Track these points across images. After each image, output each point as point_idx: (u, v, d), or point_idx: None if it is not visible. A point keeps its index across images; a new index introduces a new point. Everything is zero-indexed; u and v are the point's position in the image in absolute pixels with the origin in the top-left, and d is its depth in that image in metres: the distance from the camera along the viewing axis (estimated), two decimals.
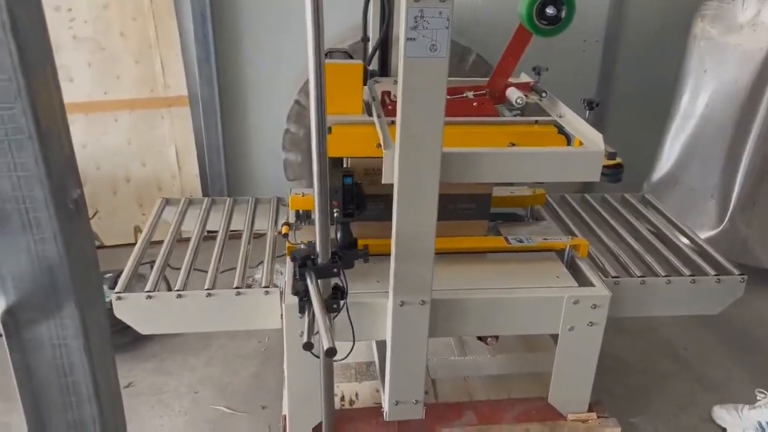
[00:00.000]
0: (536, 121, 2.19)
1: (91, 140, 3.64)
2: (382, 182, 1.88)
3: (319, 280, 1.73)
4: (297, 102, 3.35)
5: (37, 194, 0.79)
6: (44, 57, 0.80)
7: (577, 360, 2.20)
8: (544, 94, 2.30)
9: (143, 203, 3.82)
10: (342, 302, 1.82)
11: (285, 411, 2.25)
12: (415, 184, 1.80)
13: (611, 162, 1.99)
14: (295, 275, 1.75)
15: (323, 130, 1.59)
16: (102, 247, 3.79)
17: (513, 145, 2.10)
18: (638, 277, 2.27)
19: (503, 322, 2.12)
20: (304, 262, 1.73)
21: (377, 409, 2.26)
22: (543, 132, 2.16)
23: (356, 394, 2.39)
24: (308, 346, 1.60)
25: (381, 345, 2.35)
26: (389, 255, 1.94)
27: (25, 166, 0.77)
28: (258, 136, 3.87)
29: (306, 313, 1.75)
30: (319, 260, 1.74)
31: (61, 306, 0.84)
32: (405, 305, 1.97)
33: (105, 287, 2.95)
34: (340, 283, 1.81)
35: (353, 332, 1.87)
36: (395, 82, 1.96)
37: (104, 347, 0.97)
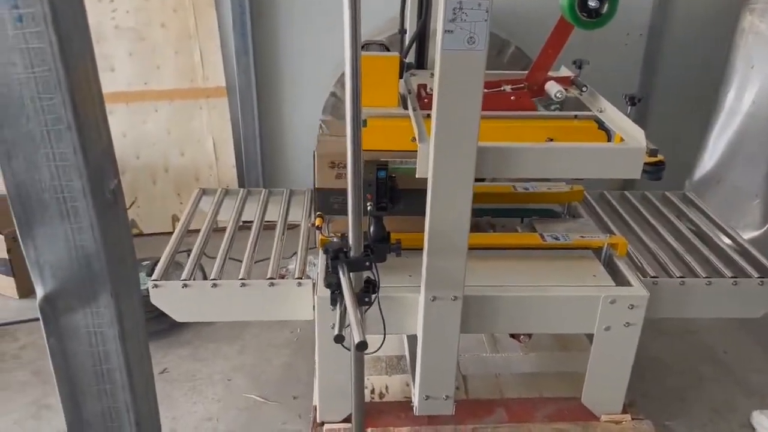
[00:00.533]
0: (576, 116, 2.15)
1: (131, 129, 3.70)
2: (416, 176, 1.87)
3: (351, 274, 1.73)
4: (333, 94, 3.35)
5: (75, 184, 0.80)
6: (84, 48, 0.80)
7: (612, 361, 2.16)
8: (584, 89, 2.25)
9: (181, 192, 3.89)
10: (374, 296, 1.82)
11: (315, 402, 2.27)
12: (449, 179, 1.78)
13: (653, 159, 1.93)
14: (327, 268, 1.75)
15: (358, 123, 1.58)
16: (140, 234, 3.87)
17: (551, 140, 2.07)
18: (678, 277, 2.21)
19: (537, 320, 2.09)
20: (336, 255, 1.72)
21: (407, 403, 2.26)
22: (583, 127, 2.12)
23: (386, 387, 2.39)
24: (339, 339, 1.60)
25: (412, 339, 2.34)
26: (422, 249, 1.93)
27: (63, 156, 0.78)
28: (294, 127, 3.89)
29: (337, 305, 1.75)
30: (352, 253, 1.74)
31: (97, 294, 0.85)
32: (437, 300, 1.95)
33: (142, 274, 3.01)
34: (372, 277, 1.81)
35: (384, 326, 1.87)
36: (432, 75, 1.94)
37: (139, 336, 0.98)
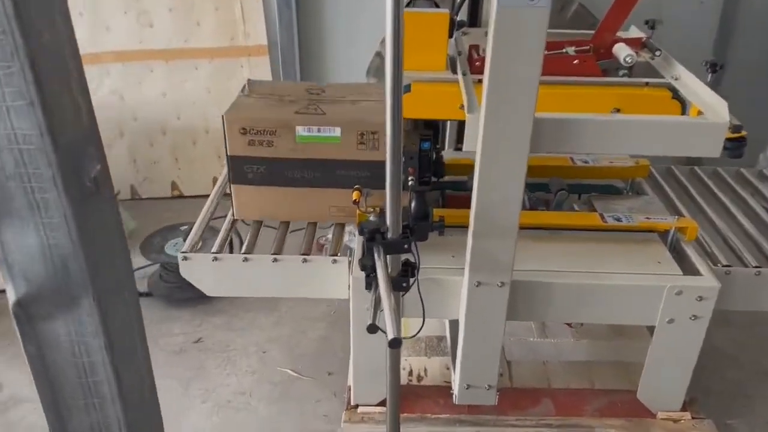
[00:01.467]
0: (647, 83, 1.91)
1: (171, 89, 3.60)
2: (463, 149, 1.69)
3: (388, 257, 1.58)
4: (378, 54, 3.15)
5: (44, 172, 0.66)
6: (51, 7, 0.65)
7: (674, 355, 1.97)
8: (658, 53, 2.00)
9: (221, 154, 3.78)
10: (412, 280, 1.68)
11: (350, 382, 2.16)
12: (500, 154, 1.60)
13: (734, 135, 1.70)
14: (363, 249, 1.61)
15: (399, 88, 1.40)
16: (181, 197, 3.81)
17: (618, 111, 1.85)
18: (753, 267, 1.98)
19: (592, 310, 1.91)
20: (372, 236, 1.57)
21: (447, 388, 2.13)
22: (654, 96, 1.88)
23: (425, 370, 2.26)
24: (372, 329, 1.47)
25: (453, 321, 2.19)
26: (467, 227, 1.77)
27: (28, 139, 0.64)
28: None
29: (372, 290, 1.62)
30: (389, 234, 1.59)
31: (77, 301, 0.73)
32: (482, 286, 1.79)
33: (179, 240, 2.94)
34: (412, 259, 1.66)
35: (423, 310, 1.72)
36: (486, 34, 1.74)
37: (134, 345, 0.85)
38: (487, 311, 1.83)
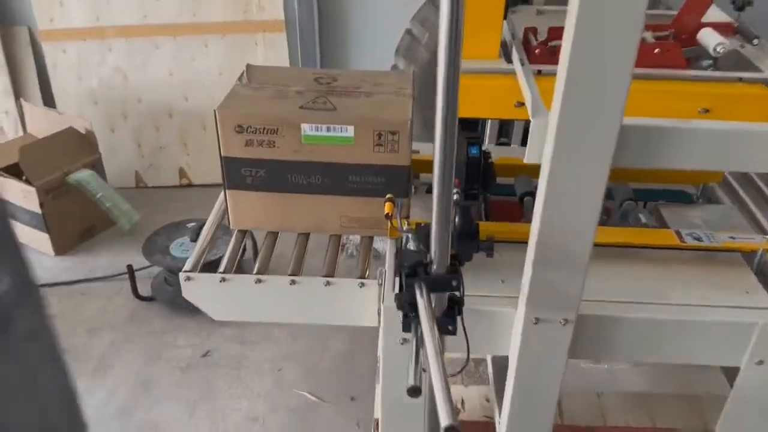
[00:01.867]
0: (740, 79, 1.58)
1: (178, 68, 3.30)
2: (525, 160, 1.37)
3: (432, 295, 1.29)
4: (409, 32, 2.81)
5: None
6: None
7: (760, 401, 1.67)
8: (756, 41, 1.67)
9: None
10: (459, 317, 1.39)
11: (377, 414, 1.89)
12: (576, 169, 1.28)
13: None
14: (400, 284, 1.32)
15: (454, 80, 1.10)
16: (190, 185, 3.53)
17: (706, 111, 1.53)
18: None
19: (668, 349, 1.60)
20: (413, 270, 1.28)
21: (488, 425, 1.85)
22: (750, 94, 1.56)
23: (462, 402, 1.98)
24: (415, 392, 1.19)
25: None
26: (519, 243, 1.47)
27: None
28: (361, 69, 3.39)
29: (412, 334, 1.33)
30: (434, 266, 1.30)
31: None
32: (541, 323, 1.49)
33: (185, 240, 2.67)
34: (457, 294, 1.37)
35: (468, 349, 1.44)
36: (538, 12, 1.43)
37: None
38: (546, 351, 1.54)
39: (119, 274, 2.76)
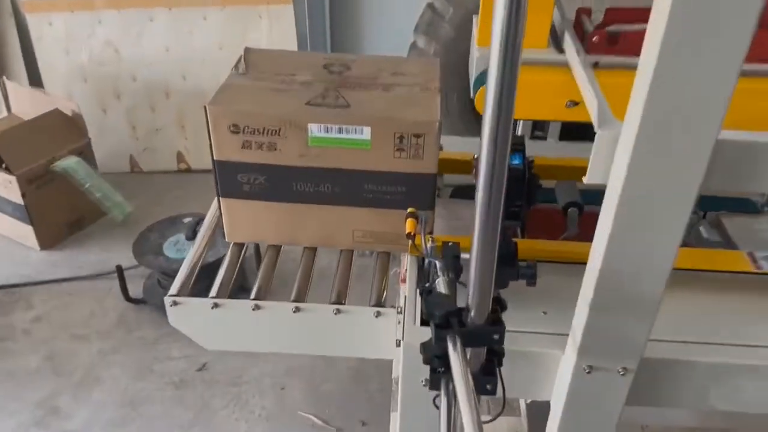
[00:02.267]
0: None
1: (175, 42, 3.02)
2: (586, 180, 1.10)
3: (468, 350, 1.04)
4: (430, 6, 2.51)
5: None
6: None
7: None
8: None
9: None
10: (498, 370, 1.14)
11: None
12: (655, 193, 1.01)
13: None
14: (433, 336, 1.06)
15: (512, 74, 0.85)
16: (188, 171, 3.28)
17: None
18: None
19: (741, 397, 1.35)
20: (446, 321, 1.03)
21: None
22: None
23: None
24: None
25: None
26: (562, 263, 1.23)
27: None
28: (376, 47, 3.09)
29: (442, 393, 1.09)
30: (472, 315, 1.04)
31: None
32: (595, 372, 1.23)
33: (180, 237, 2.42)
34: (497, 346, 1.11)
35: (504, 394, 1.20)
36: None
37: None
38: (598, 402, 1.29)
39: (109, 273, 2.52)
